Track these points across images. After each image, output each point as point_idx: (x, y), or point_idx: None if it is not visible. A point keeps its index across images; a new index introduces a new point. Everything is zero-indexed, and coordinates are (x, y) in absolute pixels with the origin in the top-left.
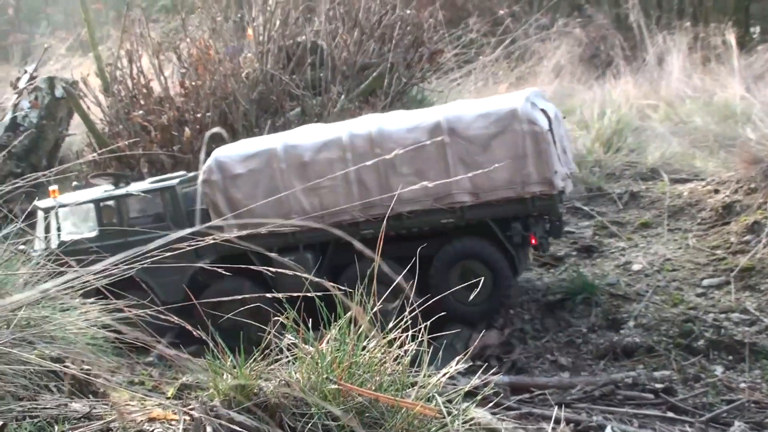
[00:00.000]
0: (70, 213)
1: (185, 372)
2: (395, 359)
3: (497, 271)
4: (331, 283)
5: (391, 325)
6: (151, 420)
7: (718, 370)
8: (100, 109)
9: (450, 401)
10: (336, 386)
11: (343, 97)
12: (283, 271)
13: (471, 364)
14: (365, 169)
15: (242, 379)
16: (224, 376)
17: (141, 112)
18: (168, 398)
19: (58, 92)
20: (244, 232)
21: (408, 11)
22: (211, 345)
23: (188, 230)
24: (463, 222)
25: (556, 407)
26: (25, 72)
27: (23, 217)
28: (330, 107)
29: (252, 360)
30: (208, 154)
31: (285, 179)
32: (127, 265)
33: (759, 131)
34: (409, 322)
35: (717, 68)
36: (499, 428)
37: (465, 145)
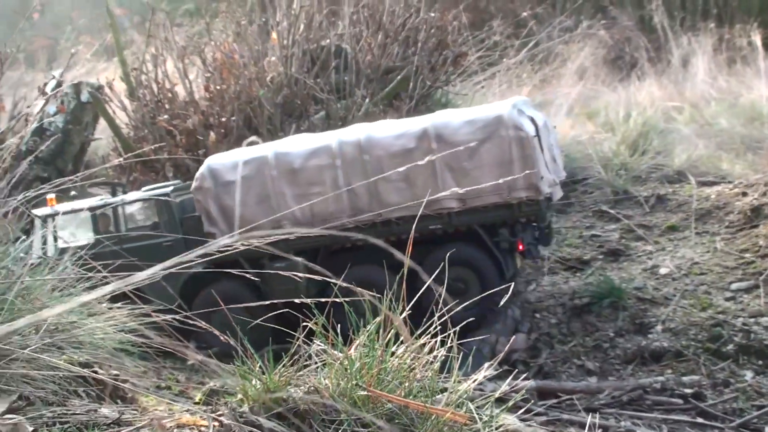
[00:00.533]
0: (67, 221)
1: (213, 377)
2: (424, 365)
3: (484, 278)
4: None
5: (420, 330)
6: (180, 426)
7: (748, 375)
8: (125, 113)
9: (479, 407)
10: (365, 392)
11: (367, 100)
12: (283, 273)
13: (499, 369)
14: (354, 176)
15: (271, 385)
16: (253, 382)
17: (166, 116)
18: (196, 403)
19: (84, 97)
20: (266, 237)
21: (432, 14)
22: (240, 350)
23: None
24: (452, 228)
25: (584, 412)
26: (52, 77)
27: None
28: (354, 111)
29: (281, 366)
30: None
31: (276, 186)
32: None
33: None
34: (438, 327)
35: (742, 70)
36: None
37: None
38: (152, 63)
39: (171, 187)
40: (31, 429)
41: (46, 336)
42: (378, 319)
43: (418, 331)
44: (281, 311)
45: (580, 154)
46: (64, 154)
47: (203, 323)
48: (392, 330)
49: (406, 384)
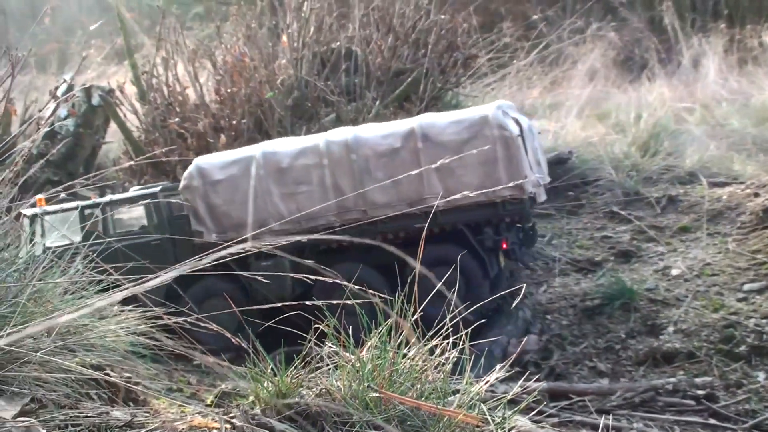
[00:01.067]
0: (55, 221)
1: (224, 379)
2: (436, 367)
3: (470, 278)
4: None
5: (432, 332)
6: (193, 428)
7: (761, 376)
8: (136, 116)
9: (491, 409)
10: (377, 394)
11: (378, 102)
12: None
13: (511, 371)
14: (341, 175)
15: (283, 388)
16: (265, 384)
17: (177, 119)
18: (207, 406)
19: (95, 100)
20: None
21: (442, 16)
22: (251, 353)
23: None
24: (437, 227)
25: (596, 414)
26: (64, 81)
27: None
28: (365, 113)
29: (293, 368)
30: None
31: (263, 185)
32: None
33: None
34: (450, 329)
35: (754, 70)
36: None
37: (438, 151)
38: (163, 66)
39: (159, 188)
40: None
41: (58, 339)
42: (389, 321)
43: (429, 333)
44: (295, 312)
45: (591, 156)
46: (76, 157)
47: (214, 325)
48: (404, 332)
49: (418, 386)
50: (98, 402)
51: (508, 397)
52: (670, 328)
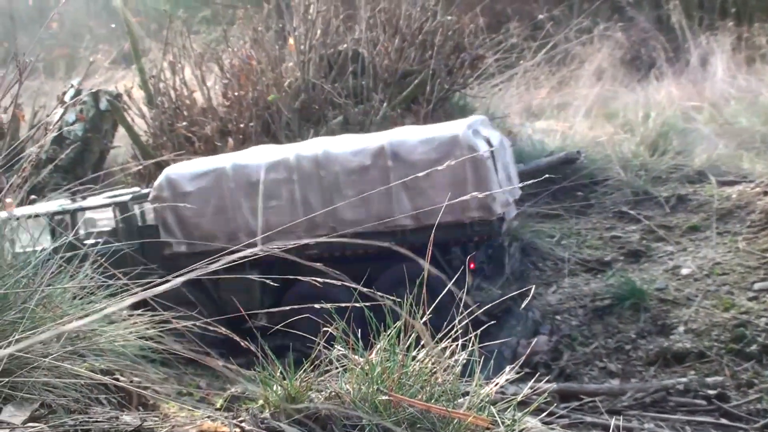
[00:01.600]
0: (23, 226)
1: (233, 383)
2: (445, 369)
3: (436, 295)
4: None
5: (441, 334)
6: None
7: None
8: (144, 120)
9: (501, 411)
10: (387, 397)
11: (385, 104)
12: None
13: (521, 372)
14: (311, 191)
15: (292, 391)
16: (274, 388)
17: (184, 123)
18: (217, 409)
19: (103, 105)
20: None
21: (449, 17)
22: (260, 356)
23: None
24: (407, 245)
25: (606, 415)
26: (71, 86)
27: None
28: (372, 115)
29: (302, 371)
30: None
31: (233, 198)
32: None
33: None
34: (459, 331)
35: (762, 68)
36: None
37: (407, 170)
38: (170, 70)
39: (130, 195)
40: None
41: (67, 344)
42: (398, 323)
43: (439, 335)
44: (304, 315)
45: (600, 155)
46: (84, 162)
47: (223, 329)
48: (413, 334)
49: (428, 388)
50: (108, 407)
51: (518, 399)
52: (681, 328)
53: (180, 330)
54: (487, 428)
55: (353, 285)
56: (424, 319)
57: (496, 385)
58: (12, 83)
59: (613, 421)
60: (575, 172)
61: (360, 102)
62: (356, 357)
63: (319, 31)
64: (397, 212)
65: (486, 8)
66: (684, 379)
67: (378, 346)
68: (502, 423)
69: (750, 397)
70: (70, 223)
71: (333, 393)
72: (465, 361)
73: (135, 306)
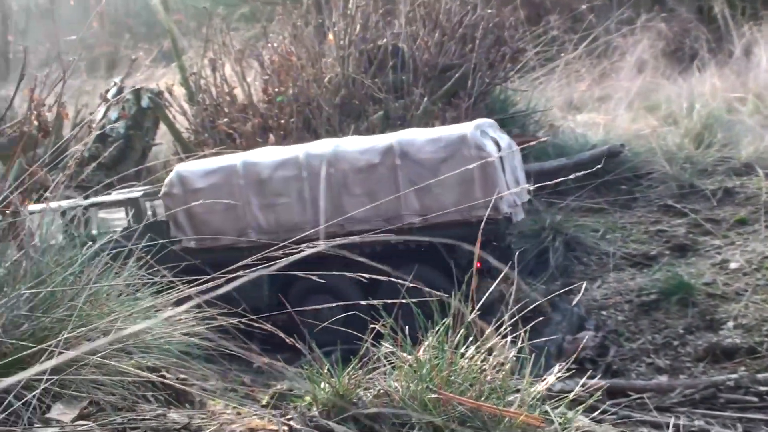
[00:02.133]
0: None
1: (278, 379)
2: (495, 366)
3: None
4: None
5: (489, 330)
6: (250, 430)
7: None
8: (185, 117)
9: (551, 408)
10: (436, 395)
11: (425, 99)
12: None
13: (572, 369)
14: (319, 188)
15: (341, 389)
16: (322, 386)
17: (226, 119)
18: (263, 407)
19: (144, 102)
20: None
21: (489, 11)
22: (307, 354)
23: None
24: (413, 244)
25: (655, 412)
26: (114, 84)
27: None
28: (413, 110)
29: (350, 368)
30: None
31: (243, 195)
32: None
33: None
34: (509, 327)
35: None
36: None
37: (415, 168)
38: (210, 67)
39: (142, 192)
40: None
41: (114, 341)
42: (446, 320)
43: (487, 331)
44: (351, 312)
45: (643, 149)
46: (126, 159)
47: (268, 326)
48: (462, 331)
49: (477, 386)
50: (155, 404)
51: (571, 397)
52: (730, 323)
53: (225, 326)
54: (539, 427)
55: (399, 279)
56: (472, 315)
57: (547, 382)
58: (56, 82)
59: (672, 420)
60: (619, 165)
61: (400, 97)
62: (404, 354)
63: (358, 26)
64: (404, 210)
65: (525, 1)
66: (734, 376)
67: (426, 343)
68: (555, 422)
69: None
70: (83, 219)
71: (381, 391)
72: (514, 358)
73: (179, 302)
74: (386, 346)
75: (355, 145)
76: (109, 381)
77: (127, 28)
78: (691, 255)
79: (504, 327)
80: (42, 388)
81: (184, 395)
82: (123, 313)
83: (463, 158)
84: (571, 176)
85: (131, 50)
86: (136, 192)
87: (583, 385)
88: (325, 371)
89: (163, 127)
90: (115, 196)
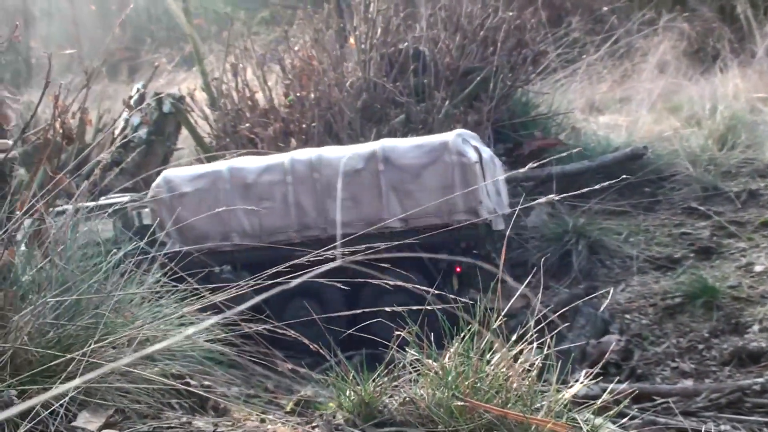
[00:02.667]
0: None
1: (301, 385)
2: (520, 373)
3: (422, 302)
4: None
5: (515, 337)
6: None
7: None
8: (207, 123)
9: (578, 413)
10: (462, 403)
11: (447, 102)
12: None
13: (596, 374)
14: (303, 193)
15: (366, 396)
16: (347, 393)
17: (247, 124)
18: (287, 413)
19: (166, 108)
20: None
21: (510, 13)
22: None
23: None
24: (395, 249)
25: (681, 416)
26: (137, 90)
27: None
28: (435, 113)
29: (375, 376)
30: None
31: (228, 199)
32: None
33: None
34: (535, 334)
35: None
36: None
37: (398, 173)
38: (232, 72)
39: (128, 197)
40: None
41: (139, 348)
42: (472, 327)
43: (513, 338)
44: (375, 320)
45: (666, 150)
46: (148, 164)
47: (293, 332)
48: (487, 338)
49: (503, 393)
50: (180, 411)
51: (598, 404)
52: (756, 327)
53: (248, 332)
54: None
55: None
56: (498, 322)
57: (572, 388)
58: (80, 88)
59: (692, 424)
60: (642, 167)
61: (422, 100)
62: (430, 362)
63: (379, 30)
64: (386, 214)
65: (546, 2)
66: (761, 380)
67: (452, 350)
68: (584, 429)
69: None
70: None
71: (407, 398)
72: (540, 364)
73: (202, 310)
74: (411, 353)
75: (339, 151)
76: (134, 389)
77: (148, 33)
78: (716, 258)
79: (530, 334)
80: (68, 396)
81: (208, 402)
82: (147, 321)
83: (445, 164)
84: (590, 189)
85: (152, 55)
86: (123, 197)
87: (610, 391)
88: (350, 378)
89: (184, 132)
90: (102, 201)
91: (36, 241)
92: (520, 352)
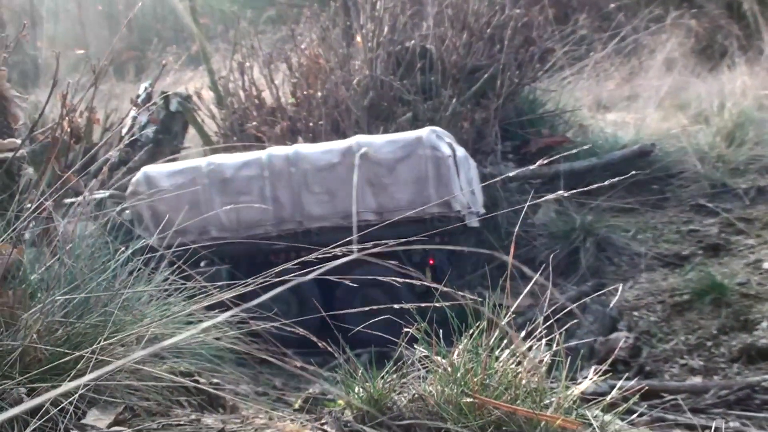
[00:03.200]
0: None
1: (309, 382)
2: (530, 370)
3: (396, 294)
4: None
5: (523, 333)
6: None
7: None
8: (214, 121)
9: (586, 410)
10: (471, 399)
11: (454, 100)
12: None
13: (604, 371)
14: (280, 187)
15: (375, 393)
16: (356, 390)
17: (254, 123)
18: (295, 410)
19: (173, 107)
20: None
21: (517, 11)
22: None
23: None
24: (370, 242)
25: (689, 413)
26: (145, 89)
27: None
28: (442, 111)
29: (385, 372)
30: None
31: (207, 194)
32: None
33: None
34: (544, 330)
35: None
36: None
37: (373, 168)
38: (238, 71)
39: (108, 193)
40: None
41: (147, 346)
42: (481, 323)
43: (522, 334)
44: (384, 317)
45: (674, 147)
46: (155, 163)
47: (301, 330)
48: (497, 334)
49: (512, 390)
50: (188, 409)
51: (608, 400)
52: (765, 324)
53: (257, 330)
54: (575, 430)
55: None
56: (507, 318)
57: (582, 384)
58: (87, 87)
59: (701, 421)
60: (649, 164)
61: (429, 98)
62: (439, 358)
63: (386, 28)
64: (361, 208)
65: (553, 0)
66: None
67: (460, 347)
68: (594, 425)
69: None
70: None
71: (416, 395)
72: (549, 361)
73: (211, 307)
74: (420, 350)
75: (316, 147)
76: (143, 386)
77: (155, 33)
78: (724, 255)
79: (539, 330)
80: (77, 393)
81: (217, 400)
82: (156, 319)
83: (418, 157)
84: (598, 185)
85: (159, 54)
86: (102, 194)
87: (619, 388)
88: (359, 375)
89: (191, 131)
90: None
91: (44, 240)
92: (529, 348)
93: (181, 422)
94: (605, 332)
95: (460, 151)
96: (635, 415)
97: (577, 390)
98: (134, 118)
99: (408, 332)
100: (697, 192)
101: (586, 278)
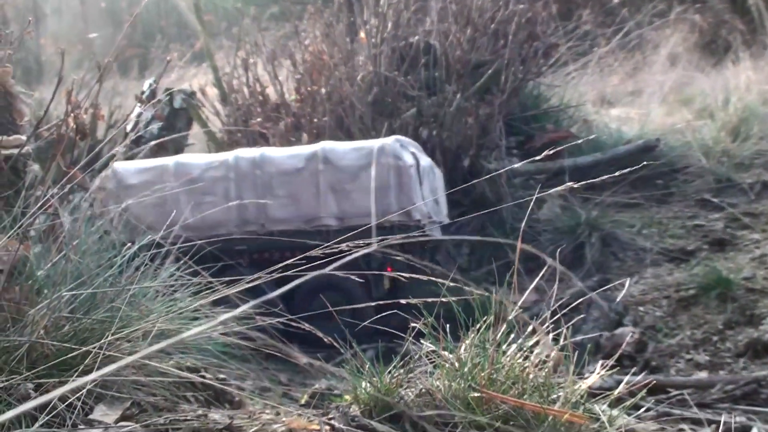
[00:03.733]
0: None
1: (315, 378)
2: (537, 364)
3: (352, 298)
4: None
5: (531, 328)
6: (291, 430)
7: None
8: (218, 118)
9: (593, 404)
10: (478, 394)
11: (458, 96)
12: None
13: (610, 365)
14: (245, 189)
15: (382, 388)
16: (363, 385)
17: (259, 119)
18: (302, 406)
19: (177, 103)
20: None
21: (521, 6)
22: (348, 352)
23: None
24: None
25: (696, 408)
26: (149, 85)
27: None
28: (446, 107)
29: (392, 367)
30: None
31: (173, 193)
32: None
33: None
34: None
35: None
36: None
37: (336, 174)
38: (242, 67)
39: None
40: None
41: (154, 342)
42: (488, 318)
43: (528, 329)
44: (393, 311)
45: (678, 142)
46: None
47: (307, 325)
48: (503, 328)
49: (519, 384)
50: (195, 404)
51: (615, 394)
52: None
53: (263, 325)
54: (582, 425)
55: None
56: (512, 315)
57: (589, 378)
58: (92, 84)
59: (707, 416)
60: (654, 159)
61: (433, 94)
62: (446, 353)
63: (390, 24)
64: (323, 213)
65: None
66: None
67: (467, 341)
68: (603, 419)
69: None
70: None
71: (423, 390)
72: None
73: (217, 303)
74: (427, 345)
75: (282, 151)
76: (150, 382)
77: (159, 29)
78: (730, 249)
79: (546, 324)
80: (85, 389)
81: (224, 395)
82: (162, 314)
83: (381, 166)
84: (606, 177)
85: (163, 51)
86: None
87: (626, 383)
88: (366, 369)
89: (196, 128)
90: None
91: (51, 236)
92: (536, 343)
93: (188, 417)
94: (611, 327)
95: (425, 161)
96: (642, 410)
97: (584, 385)
98: (139, 115)
99: (415, 327)
100: (702, 187)
101: (591, 273)
